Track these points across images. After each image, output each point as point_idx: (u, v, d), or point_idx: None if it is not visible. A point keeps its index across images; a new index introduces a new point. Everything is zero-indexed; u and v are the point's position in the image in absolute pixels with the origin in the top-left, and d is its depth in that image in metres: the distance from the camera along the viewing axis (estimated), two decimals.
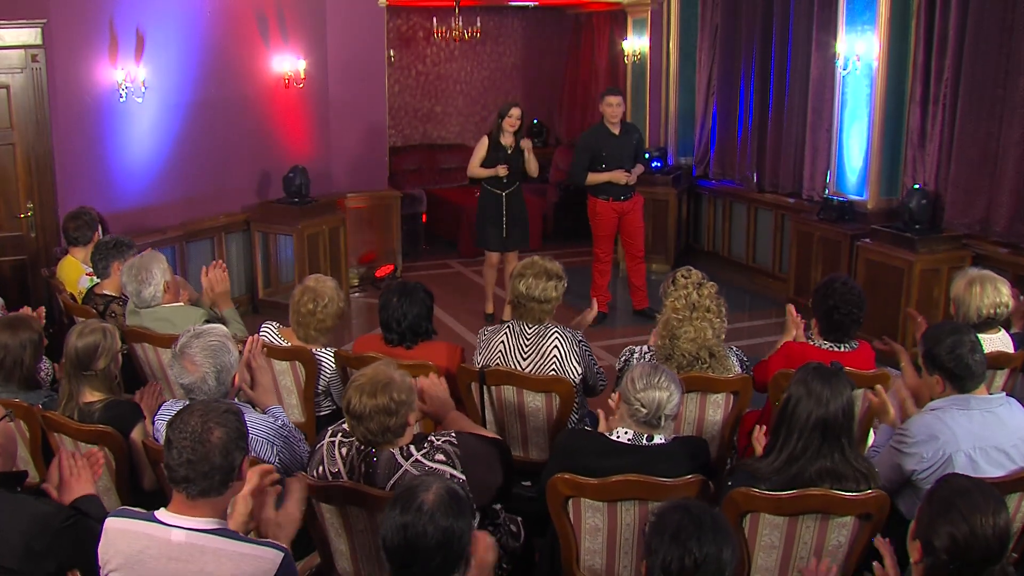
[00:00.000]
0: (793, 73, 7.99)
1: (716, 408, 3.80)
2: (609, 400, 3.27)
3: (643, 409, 2.99)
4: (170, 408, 3.21)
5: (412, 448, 2.86)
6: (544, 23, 12.08)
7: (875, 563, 2.67)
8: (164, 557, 2.32)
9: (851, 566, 2.93)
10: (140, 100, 6.67)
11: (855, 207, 7.24)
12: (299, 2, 8.02)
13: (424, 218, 10.19)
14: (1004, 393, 3.40)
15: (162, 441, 2.61)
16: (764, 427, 3.32)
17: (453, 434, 2.94)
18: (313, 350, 4.04)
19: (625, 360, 3.94)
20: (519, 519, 3.41)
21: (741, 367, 3.89)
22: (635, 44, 9.41)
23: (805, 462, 2.86)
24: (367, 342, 4.21)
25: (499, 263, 7.32)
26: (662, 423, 3.02)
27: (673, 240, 8.95)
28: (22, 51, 6.10)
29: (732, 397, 3.76)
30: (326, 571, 3.09)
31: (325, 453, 2.93)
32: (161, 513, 2.38)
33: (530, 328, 4.04)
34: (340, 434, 2.94)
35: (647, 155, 8.24)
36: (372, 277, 8.65)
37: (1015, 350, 4.08)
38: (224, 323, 4.12)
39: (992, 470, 3.03)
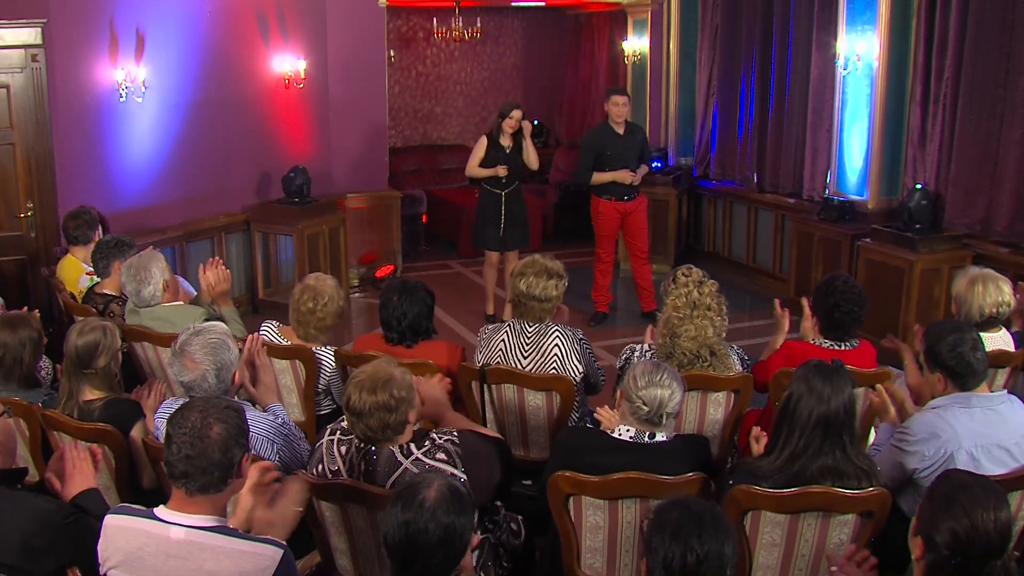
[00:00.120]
0: (793, 73, 7.98)
1: (717, 407, 3.79)
2: (600, 409, 3.30)
3: (645, 407, 2.98)
4: (170, 406, 3.20)
5: (412, 446, 2.85)
6: (544, 23, 12.08)
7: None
8: (163, 554, 2.32)
9: None
10: (140, 100, 6.67)
11: (855, 207, 7.23)
12: (299, 2, 8.01)
13: (424, 218, 10.19)
14: (1005, 391, 3.39)
15: (162, 439, 2.60)
16: (760, 428, 3.33)
17: (455, 432, 2.93)
18: (313, 349, 4.03)
19: (626, 359, 3.94)
20: (520, 518, 3.40)
21: (742, 366, 3.89)
22: (635, 44, 9.41)
23: (807, 460, 2.86)
24: (367, 341, 4.21)
25: (499, 263, 7.30)
26: (664, 421, 3.01)
27: (673, 240, 8.94)
28: (22, 51, 6.10)
29: (733, 396, 3.76)
30: (326, 569, 3.08)
31: (324, 451, 2.92)
32: (160, 510, 2.37)
33: (531, 327, 4.03)
34: (339, 432, 2.94)
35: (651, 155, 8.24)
36: (372, 277, 8.64)
37: (1016, 349, 4.09)
38: (223, 322, 4.11)
39: (994, 468, 3.03)
